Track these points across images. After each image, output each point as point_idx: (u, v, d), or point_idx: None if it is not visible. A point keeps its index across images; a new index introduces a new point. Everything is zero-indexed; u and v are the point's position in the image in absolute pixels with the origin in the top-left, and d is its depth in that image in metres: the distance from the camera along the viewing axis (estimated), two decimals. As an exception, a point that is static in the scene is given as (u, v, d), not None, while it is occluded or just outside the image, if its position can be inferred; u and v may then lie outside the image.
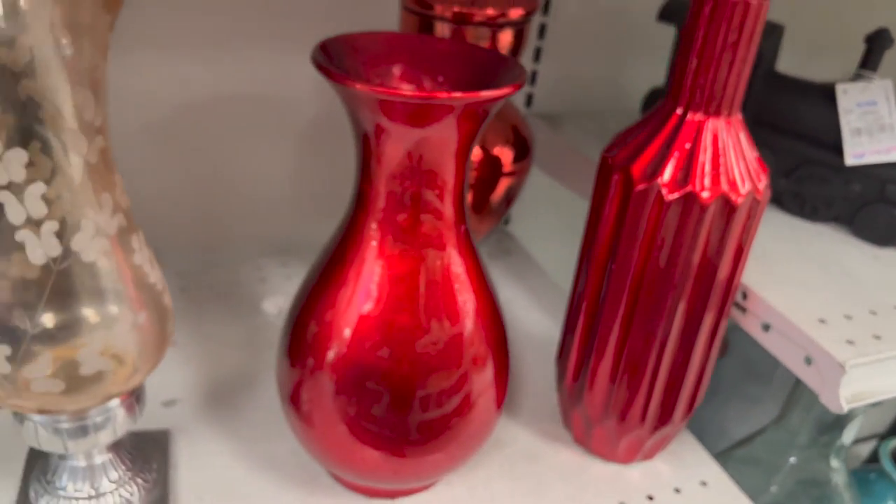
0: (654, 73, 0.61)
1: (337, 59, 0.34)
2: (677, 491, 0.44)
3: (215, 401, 0.46)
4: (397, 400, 0.36)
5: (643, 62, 0.65)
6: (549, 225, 0.69)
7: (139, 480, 0.38)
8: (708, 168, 0.35)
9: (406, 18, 0.46)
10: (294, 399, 0.38)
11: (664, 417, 0.42)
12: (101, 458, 0.37)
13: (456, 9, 0.43)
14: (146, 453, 0.39)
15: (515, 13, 0.44)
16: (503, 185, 0.50)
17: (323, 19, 0.56)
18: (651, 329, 0.38)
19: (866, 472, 0.75)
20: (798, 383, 0.60)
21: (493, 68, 0.34)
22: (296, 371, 0.38)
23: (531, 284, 0.61)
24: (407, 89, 0.35)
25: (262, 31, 0.54)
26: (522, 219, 0.70)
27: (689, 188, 0.35)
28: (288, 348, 0.38)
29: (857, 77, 0.48)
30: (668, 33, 0.57)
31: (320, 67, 0.31)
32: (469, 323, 0.36)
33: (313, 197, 0.63)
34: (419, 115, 0.31)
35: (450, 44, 0.36)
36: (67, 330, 0.30)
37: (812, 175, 0.49)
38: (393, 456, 0.37)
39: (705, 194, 0.35)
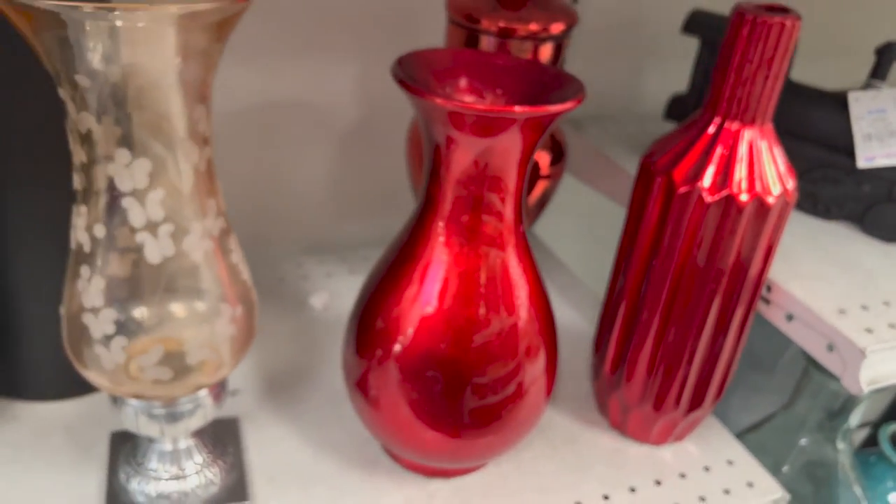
0: (669, 79, 0.65)
1: (408, 72, 0.37)
2: (706, 469, 0.47)
3: (275, 390, 0.49)
4: (458, 387, 0.39)
5: (658, 69, 0.69)
6: (567, 225, 0.73)
7: (220, 463, 0.41)
8: (744, 172, 0.39)
9: (452, 31, 0.49)
10: (361, 385, 0.41)
11: (696, 402, 0.45)
12: (186, 442, 0.40)
13: (502, 24, 0.47)
14: (222, 438, 0.42)
15: (557, 28, 0.47)
16: (540, 187, 0.53)
17: (366, 29, 0.59)
18: (688, 321, 0.42)
19: (866, 455, 0.79)
20: (806, 372, 0.64)
21: (549, 82, 0.38)
22: (363, 360, 0.41)
23: (558, 282, 0.64)
24: (472, 101, 0.38)
25: (307, 42, 0.57)
26: (542, 219, 0.73)
27: (727, 191, 0.38)
28: (356, 339, 0.41)
29: (867, 86, 0.52)
30: (682, 42, 0.61)
31: (402, 83, 0.34)
32: (524, 317, 0.39)
33: (350, 198, 0.66)
34: (488, 126, 0.34)
35: (507, 58, 0.39)
36: (177, 322, 0.33)
37: (825, 177, 0.53)
38: (452, 438, 0.41)
39: (743, 197, 0.38)
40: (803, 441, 0.65)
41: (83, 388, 0.46)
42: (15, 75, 0.36)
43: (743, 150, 0.39)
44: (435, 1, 0.59)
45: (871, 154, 0.50)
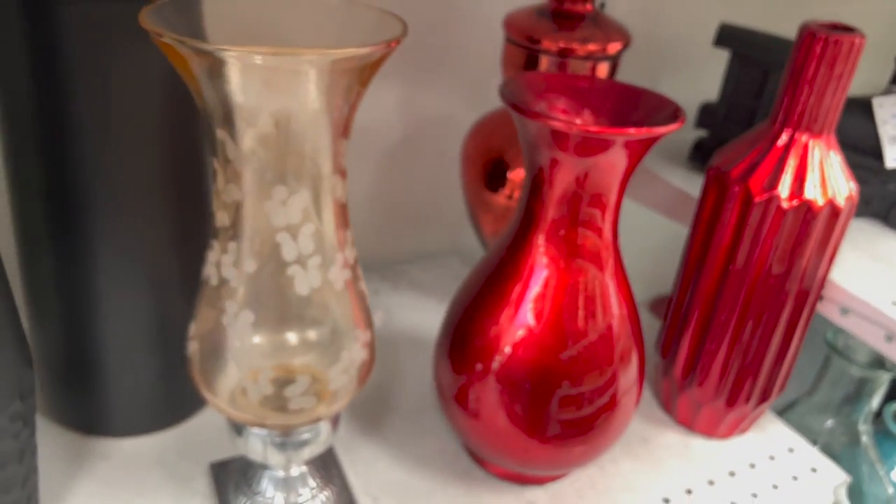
0: (688, 88, 0.68)
1: (510, 96, 0.38)
2: (771, 458, 0.50)
3: (353, 411, 0.50)
4: (557, 398, 0.40)
5: (677, 78, 0.72)
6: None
7: (330, 486, 0.41)
8: (817, 179, 0.42)
9: (511, 51, 0.51)
10: (460, 399, 0.42)
11: (765, 395, 0.48)
12: (298, 469, 0.40)
13: (562, 44, 0.49)
14: (325, 462, 0.43)
15: (613, 48, 0.49)
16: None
17: (411, 51, 0.60)
18: (763, 322, 0.45)
19: (874, 433, 0.84)
20: (827, 359, 0.68)
21: (638, 102, 0.40)
22: (461, 376, 0.42)
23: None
24: (570, 123, 0.40)
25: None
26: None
27: (803, 197, 0.41)
28: (451, 354, 0.42)
29: (888, 91, 0.56)
30: (701, 52, 0.64)
31: (515, 108, 0.36)
32: (619, 329, 0.41)
33: (389, 217, 0.67)
34: (593, 147, 0.36)
35: (597, 81, 0.42)
36: (322, 351, 0.33)
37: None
38: (551, 446, 0.42)
39: (818, 202, 0.41)
40: (827, 425, 0.69)
41: (166, 421, 0.46)
42: (113, 113, 0.36)
43: (813, 159, 0.42)
44: (476, 24, 0.61)
45: (897, 155, 0.54)
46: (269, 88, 0.28)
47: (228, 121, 0.29)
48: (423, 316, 0.60)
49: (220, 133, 0.29)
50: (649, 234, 0.75)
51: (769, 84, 0.56)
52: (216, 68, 0.27)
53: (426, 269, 0.67)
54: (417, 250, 0.69)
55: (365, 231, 0.67)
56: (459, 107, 0.64)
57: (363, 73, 0.29)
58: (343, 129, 0.31)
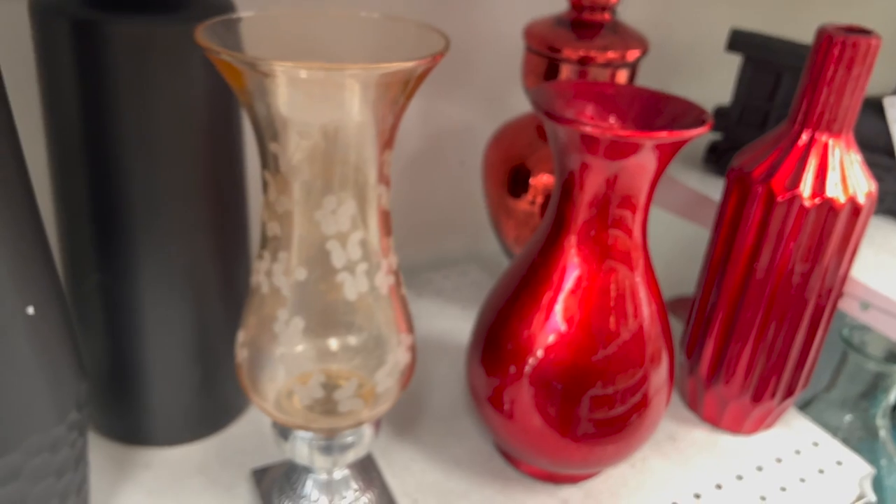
0: (699, 93, 0.69)
1: (540, 103, 0.39)
2: (797, 452, 0.51)
3: (388, 416, 0.51)
4: (590, 398, 0.41)
5: (688, 84, 0.74)
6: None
7: (372, 489, 0.42)
8: (838, 178, 0.43)
9: (531, 60, 0.52)
10: (494, 401, 0.43)
11: (790, 390, 0.49)
12: (341, 472, 0.41)
13: (582, 52, 0.50)
14: (365, 466, 0.44)
15: (632, 55, 0.51)
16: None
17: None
18: (787, 319, 0.46)
19: (891, 427, 0.85)
20: (843, 355, 0.69)
21: (663, 107, 0.41)
22: (495, 378, 0.43)
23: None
24: (601, 126, 0.41)
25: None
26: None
27: (825, 196, 0.42)
28: (484, 357, 0.44)
29: (898, 91, 0.57)
30: (710, 58, 0.65)
31: (548, 115, 0.37)
32: (650, 328, 0.42)
33: (409, 225, 0.68)
34: (621, 150, 0.37)
35: (619, 87, 0.43)
36: (369, 354, 0.35)
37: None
38: (585, 445, 0.43)
39: (839, 200, 0.42)
40: (845, 420, 0.70)
41: (206, 430, 0.47)
42: (156, 131, 0.37)
43: (834, 158, 0.43)
44: (494, 35, 0.62)
45: (910, 153, 0.55)
46: (317, 103, 0.29)
47: (279, 134, 0.30)
48: (447, 322, 0.61)
49: (273, 146, 0.30)
50: (664, 237, 0.76)
51: (782, 86, 0.58)
52: (267, 83, 0.28)
53: (448, 277, 0.68)
54: (438, 258, 0.70)
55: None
56: (478, 116, 0.66)
57: (408, 86, 0.31)
58: (388, 140, 0.33)
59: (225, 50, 0.27)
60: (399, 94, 0.31)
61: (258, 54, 0.33)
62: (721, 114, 0.62)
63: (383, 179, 0.33)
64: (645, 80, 0.72)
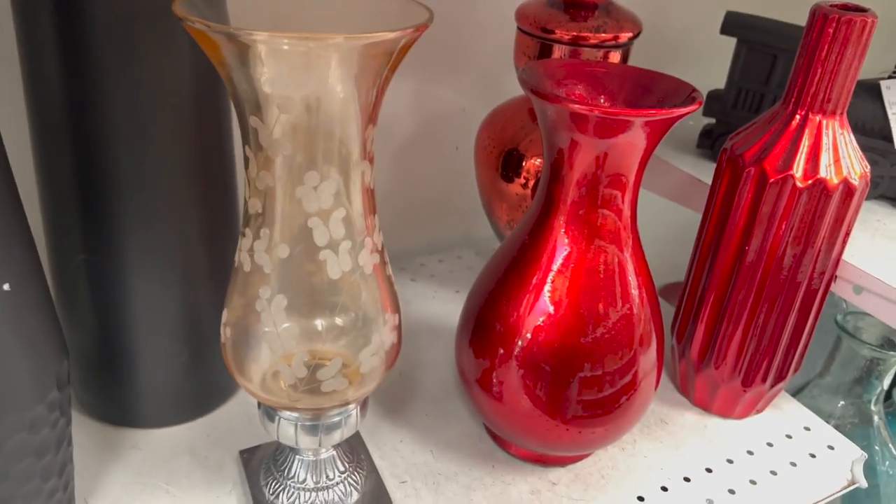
0: (694, 77, 0.69)
1: (529, 82, 0.39)
2: (788, 437, 0.51)
3: (376, 397, 0.50)
4: (580, 380, 0.41)
5: (683, 68, 0.73)
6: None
7: (359, 469, 0.42)
8: (831, 159, 0.42)
9: (523, 41, 0.52)
10: (483, 383, 0.43)
11: (782, 374, 0.49)
12: (327, 453, 0.41)
13: (574, 33, 0.49)
14: (353, 446, 0.44)
15: (625, 36, 0.50)
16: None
17: (421, 46, 0.60)
18: (778, 303, 0.45)
19: (884, 413, 0.85)
20: (837, 341, 0.68)
21: (654, 86, 0.41)
22: (485, 360, 0.43)
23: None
24: (589, 104, 0.41)
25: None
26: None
27: (818, 176, 0.42)
28: (473, 339, 0.43)
29: (895, 74, 0.56)
30: (705, 42, 0.65)
31: (535, 93, 0.37)
32: (639, 310, 0.42)
33: (403, 209, 0.67)
34: (610, 128, 0.37)
35: (610, 66, 0.42)
36: (352, 334, 0.34)
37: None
38: (574, 428, 0.43)
39: (832, 181, 0.42)
40: (839, 406, 0.70)
41: (195, 412, 0.47)
42: (141, 107, 0.37)
43: (828, 139, 0.42)
44: (488, 17, 0.62)
45: (906, 136, 0.55)
46: (298, 75, 0.29)
47: (260, 108, 0.30)
48: (441, 306, 0.61)
49: (253, 120, 0.30)
50: (659, 223, 0.75)
51: (777, 70, 0.57)
52: (246, 55, 0.28)
53: (442, 261, 0.68)
54: (432, 242, 0.70)
55: (381, 223, 0.67)
56: (472, 100, 0.65)
57: (391, 59, 0.30)
58: (372, 116, 0.32)
59: (201, 20, 0.27)
60: (382, 66, 0.31)
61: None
62: (715, 98, 0.62)
63: (367, 156, 0.33)
64: (640, 64, 0.72)
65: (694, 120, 0.67)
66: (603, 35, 0.49)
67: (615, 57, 0.51)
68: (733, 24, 0.58)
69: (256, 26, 0.30)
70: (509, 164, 0.54)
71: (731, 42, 0.61)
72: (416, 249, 0.69)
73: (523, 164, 0.54)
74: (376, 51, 0.29)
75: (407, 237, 0.69)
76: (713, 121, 0.63)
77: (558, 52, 0.50)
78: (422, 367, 0.54)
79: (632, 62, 0.70)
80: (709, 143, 0.63)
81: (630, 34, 0.50)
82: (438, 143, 0.66)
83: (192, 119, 0.39)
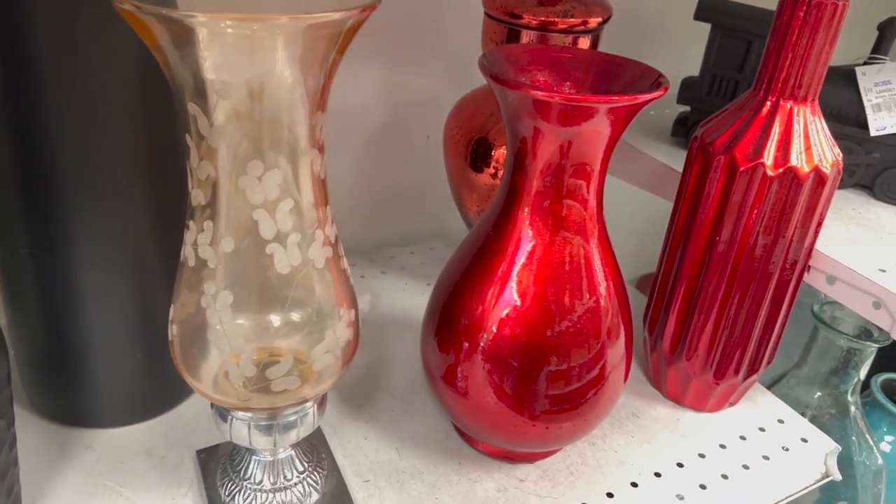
0: (672, 65, 0.68)
1: (490, 68, 0.38)
2: (762, 430, 0.50)
3: (341, 394, 0.49)
4: (546, 374, 0.40)
5: (660, 55, 0.72)
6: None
7: (319, 469, 0.41)
8: (801, 147, 0.41)
9: (490, 27, 0.50)
10: (448, 378, 0.42)
11: (754, 367, 0.48)
12: (285, 452, 0.40)
13: (542, 18, 0.48)
14: (313, 445, 0.42)
15: (594, 21, 0.49)
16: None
17: (389, 34, 0.59)
18: (750, 293, 0.44)
19: (861, 403, 0.85)
20: (814, 332, 0.68)
21: (620, 72, 0.39)
22: (449, 354, 0.41)
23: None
24: (548, 91, 0.39)
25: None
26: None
27: (789, 164, 0.41)
28: (438, 334, 0.42)
29: (870, 60, 0.55)
30: (684, 28, 0.63)
31: (494, 78, 0.35)
32: (606, 302, 0.41)
33: (374, 201, 0.66)
34: (574, 115, 0.35)
35: (575, 52, 0.41)
36: (306, 331, 0.33)
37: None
38: (541, 423, 0.42)
39: (803, 169, 0.41)
40: (816, 397, 0.69)
41: (152, 410, 0.45)
42: (86, 93, 0.35)
43: (799, 126, 0.41)
44: (454, 7, 0.60)
45: (881, 124, 0.54)
46: (239, 58, 0.27)
47: (199, 94, 0.28)
48: (410, 299, 0.60)
49: (192, 107, 0.28)
50: (635, 214, 0.74)
51: (751, 56, 0.56)
52: (183, 38, 0.26)
53: (414, 252, 0.66)
54: (404, 234, 0.69)
55: (350, 215, 0.66)
56: (443, 87, 0.64)
57: (338, 41, 0.29)
58: (320, 102, 0.31)
59: (130, 0, 0.25)
60: (329, 49, 0.29)
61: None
62: (690, 85, 0.60)
63: (316, 144, 0.31)
64: (615, 50, 0.71)
65: (670, 108, 0.66)
66: (571, 20, 0.48)
67: (584, 43, 0.50)
68: (707, 9, 0.57)
69: (203, 8, 0.28)
70: (478, 154, 0.53)
71: (707, 28, 0.60)
72: (388, 241, 0.67)
73: (492, 153, 0.53)
74: (322, 32, 0.28)
75: (377, 229, 0.67)
76: (688, 109, 0.62)
77: (526, 37, 0.49)
78: (389, 361, 0.53)
79: (606, 49, 0.68)
80: (683, 131, 0.62)
81: (599, 19, 0.49)
82: (409, 133, 0.64)
83: (143, 107, 0.37)
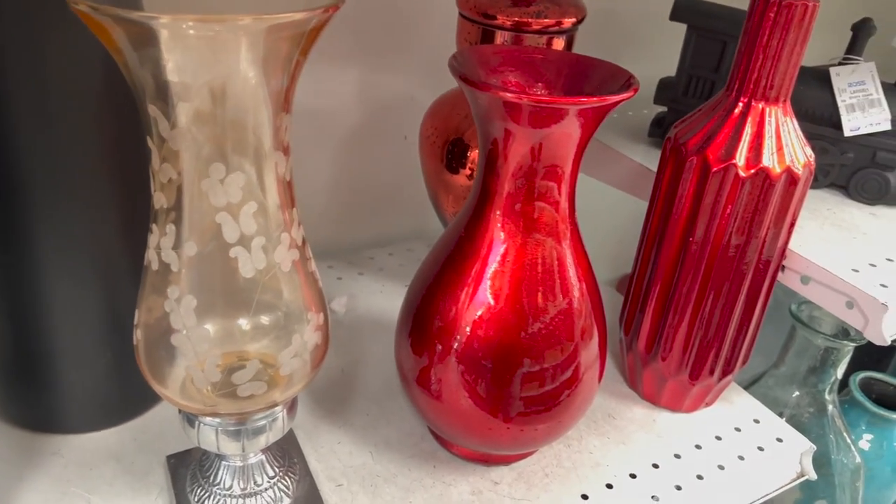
0: (650, 65, 0.68)
1: (461, 70, 0.37)
2: (738, 430, 0.50)
3: (316, 397, 0.49)
4: (520, 376, 0.40)
5: (637, 56, 0.72)
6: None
7: (290, 474, 0.40)
8: (773, 147, 0.41)
9: (465, 27, 0.50)
10: (422, 381, 0.41)
11: (729, 367, 0.48)
12: (257, 457, 0.39)
13: (516, 18, 0.48)
14: (284, 449, 0.42)
15: (568, 22, 0.48)
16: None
17: (364, 34, 0.58)
18: (724, 294, 0.44)
19: (840, 402, 0.86)
20: (791, 332, 0.68)
21: (592, 73, 0.39)
22: (423, 357, 0.41)
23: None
24: (518, 92, 0.39)
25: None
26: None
27: (761, 165, 0.41)
28: (412, 336, 0.42)
29: (844, 61, 0.56)
30: (661, 29, 0.63)
31: (464, 80, 0.35)
32: (579, 303, 0.41)
33: (350, 203, 0.66)
34: (544, 117, 0.35)
35: (547, 52, 0.41)
36: (273, 336, 0.32)
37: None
38: (515, 426, 0.41)
39: (775, 170, 0.41)
40: (794, 396, 0.69)
41: (121, 416, 0.45)
42: (49, 93, 0.35)
43: (770, 126, 0.41)
44: (430, 7, 0.60)
45: (855, 124, 0.54)
46: (200, 60, 0.27)
47: (160, 96, 0.28)
48: (388, 300, 0.59)
49: (152, 109, 0.28)
50: (614, 215, 0.74)
51: (726, 56, 0.56)
52: (142, 39, 0.26)
53: (392, 254, 0.66)
54: (382, 236, 0.68)
55: (328, 217, 0.66)
56: (421, 88, 0.63)
57: (301, 42, 0.28)
58: (284, 104, 0.30)
59: (86, 1, 0.25)
60: (293, 50, 0.29)
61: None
62: (666, 86, 0.60)
63: (281, 146, 0.31)
64: (592, 51, 0.71)
65: (647, 108, 0.66)
66: (545, 20, 0.48)
67: (559, 43, 0.49)
68: (682, 9, 0.57)
69: (156, 10, 0.28)
70: (454, 155, 0.53)
71: (684, 29, 0.60)
72: (366, 243, 0.67)
73: (468, 154, 0.52)
74: (285, 33, 0.27)
75: (355, 230, 0.67)
76: (665, 109, 0.62)
77: (500, 38, 0.49)
78: (365, 364, 0.52)
79: (584, 50, 0.68)
80: (660, 131, 0.62)
81: (573, 19, 0.49)
82: (386, 134, 0.64)
83: (108, 108, 0.37)
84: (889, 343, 0.44)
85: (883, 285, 0.46)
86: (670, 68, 0.65)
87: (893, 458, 0.76)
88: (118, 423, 0.44)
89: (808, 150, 0.43)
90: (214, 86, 0.28)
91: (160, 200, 0.30)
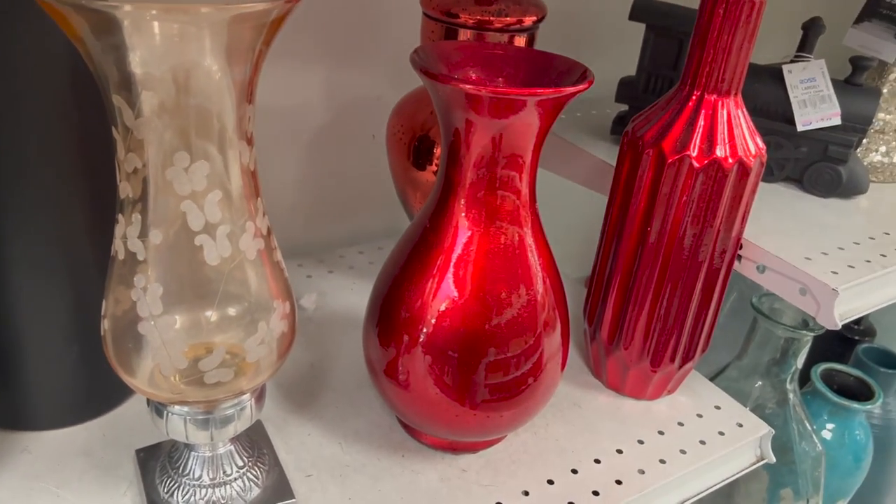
0: (612, 65, 0.69)
1: (423, 63, 0.38)
2: (699, 416, 0.52)
3: (286, 391, 0.49)
4: (485, 365, 0.41)
5: (601, 55, 0.73)
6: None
7: (259, 464, 0.41)
8: (726, 138, 0.43)
9: (428, 26, 0.51)
10: (390, 372, 0.42)
11: (689, 355, 0.49)
12: (224, 448, 0.40)
13: (479, 17, 0.49)
14: (253, 441, 0.42)
15: (529, 20, 0.50)
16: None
17: (331, 33, 0.59)
18: (682, 283, 0.46)
19: (803, 393, 0.88)
20: (753, 324, 0.70)
21: (550, 68, 0.40)
22: (391, 349, 0.42)
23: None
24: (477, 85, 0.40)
25: (273, 47, 0.57)
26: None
27: (714, 156, 0.42)
28: (380, 328, 0.42)
29: (796, 59, 0.58)
30: (623, 29, 0.65)
31: (425, 73, 0.36)
32: (542, 292, 0.42)
33: (320, 201, 0.66)
34: (505, 108, 0.36)
35: (510, 48, 0.42)
36: (240, 323, 0.33)
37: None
38: (482, 413, 0.42)
39: (728, 160, 0.43)
40: (758, 386, 0.71)
41: (90, 412, 0.45)
42: (14, 86, 0.35)
43: (722, 119, 0.43)
44: (397, 7, 0.61)
45: (807, 119, 0.56)
46: (164, 49, 0.28)
47: (124, 86, 0.28)
48: (358, 297, 0.60)
49: (116, 99, 0.29)
50: (582, 213, 0.76)
51: (683, 54, 0.58)
52: (104, 28, 0.26)
53: (363, 252, 0.67)
54: (353, 233, 0.69)
55: (298, 215, 0.66)
56: (387, 86, 0.64)
57: (263, 32, 0.29)
58: (247, 94, 0.31)
59: (47, -9, 0.25)
60: (255, 40, 0.29)
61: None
62: (627, 84, 0.62)
63: (244, 136, 0.32)
64: (556, 52, 0.72)
65: (610, 108, 0.68)
66: (506, 19, 0.49)
67: (520, 41, 0.51)
68: (640, 9, 0.59)
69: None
70: (420, 151, 0.54)
71: (643, 29, 0.61)
72: (336, 241, 0.67)
73: (434, 150, 0.53)
74: (248, 23, 0.28)
75: (326, 228, 0.68)
76: (627, 107, 0.63)
77: (463, 36, 0.50)
78: (335, 359, 0.53)
79: (546, 48, 0.70)
80: (622, 129, 0.63)
81: (534, 18, 0.50)
82: (355, 132, 0.65)
83: (71, 97, 0.37)
84: (840, 326, 0.46)
85: (834, 272, 0.47)
86: (631, 68, 0.67)
87: (855, 446, 0.79)
88: (87, 419, 0.45)
89: (760, 142, 0.44)
90: (178, 75, 0.28)
91: (126, 190, 0.31)
